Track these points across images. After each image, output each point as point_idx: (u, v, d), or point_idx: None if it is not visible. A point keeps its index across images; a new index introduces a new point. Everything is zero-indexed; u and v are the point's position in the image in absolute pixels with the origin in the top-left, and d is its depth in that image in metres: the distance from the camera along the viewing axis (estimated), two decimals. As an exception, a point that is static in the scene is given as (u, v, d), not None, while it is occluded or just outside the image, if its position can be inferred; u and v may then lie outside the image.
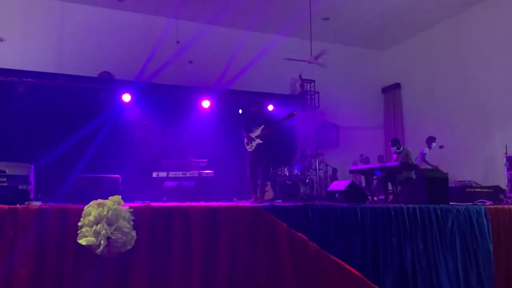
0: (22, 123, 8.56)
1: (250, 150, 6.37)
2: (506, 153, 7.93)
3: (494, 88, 9.34)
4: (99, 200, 2.79)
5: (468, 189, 7.89)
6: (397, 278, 4.45)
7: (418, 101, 11.59)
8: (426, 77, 11.29)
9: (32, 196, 4.57)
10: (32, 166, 4.57)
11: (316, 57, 9.45)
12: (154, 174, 8.71)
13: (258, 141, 6.27)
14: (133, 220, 2.89)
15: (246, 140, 6.43)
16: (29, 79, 8.94)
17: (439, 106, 10.75)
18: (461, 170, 9.42)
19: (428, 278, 4.58)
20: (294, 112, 6.31)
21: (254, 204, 4.14)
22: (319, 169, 10.07)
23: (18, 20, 9.25)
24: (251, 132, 6.39)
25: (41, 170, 5.42)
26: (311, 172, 9.62)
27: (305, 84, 11.58)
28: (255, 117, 6.61)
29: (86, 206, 2.82)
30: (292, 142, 11.19)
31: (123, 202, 2.89)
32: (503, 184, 7.95)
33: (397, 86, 12.33)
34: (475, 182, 8.48)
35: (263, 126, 6.31)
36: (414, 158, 7.48)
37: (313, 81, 11.64)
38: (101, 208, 2.72)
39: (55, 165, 7.80)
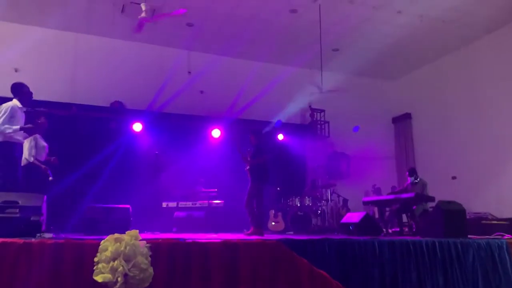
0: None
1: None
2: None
3: (507, 116, 9.25)
4: (116, 235, 2.72)
5: (484, 221, 7.72)
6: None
7: (429, 131, 11.49)
8: (437, 107, 11.23)
9: (43, 227, 4.51)
10: (45, 197, 4.53)
11: (330, 91, 9.58)
12: (164, 204, 8.66)
13: (247, 168, 6.36)
14: (150, 256, 2.81)
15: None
16: (42, 109, 9.02)
17: (451, 136, 10.64)
18: (474, 201, 9.21)
19: (449, 315, 4.42)
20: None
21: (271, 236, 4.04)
22: (331, 200, 9.92)
23: (33, 51, 9.37)
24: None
25: (51, 200, 5.38)
26: (323, 203, 9.48)
27: (315, 113, 11.57)
28: (248, 145, 6.73)
29: (103, 241, 2.75)
30: (302, 172, 11.09)
31: (140, 237, 2.81)
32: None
33: (407, 116, 12.28)
34: (490, 214, 8.30)
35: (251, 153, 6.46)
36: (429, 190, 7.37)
37: (323, 110, 11.64)
38: (118, 243, 2.65)
39: (66, 195, 7.74)
